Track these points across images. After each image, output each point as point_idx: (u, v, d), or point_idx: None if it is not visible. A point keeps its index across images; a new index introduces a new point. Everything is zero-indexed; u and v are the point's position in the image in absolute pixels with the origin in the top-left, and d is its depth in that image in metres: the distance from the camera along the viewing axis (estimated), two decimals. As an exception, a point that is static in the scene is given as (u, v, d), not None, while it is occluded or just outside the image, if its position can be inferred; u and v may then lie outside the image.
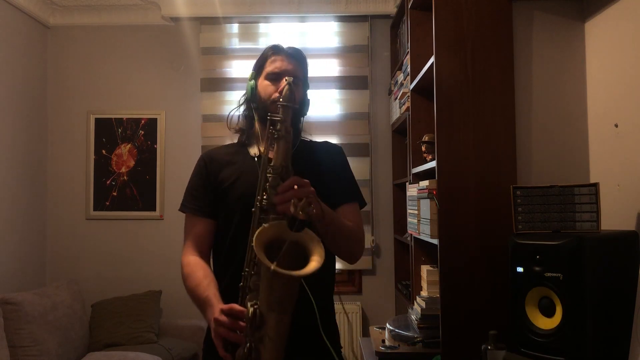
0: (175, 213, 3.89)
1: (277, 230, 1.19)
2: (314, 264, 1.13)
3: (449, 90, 2.05)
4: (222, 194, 1.56)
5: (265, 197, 1.28)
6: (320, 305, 1.34)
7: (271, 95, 1.52)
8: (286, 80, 1.33)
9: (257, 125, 1.60)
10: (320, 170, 1.56)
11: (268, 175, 1.29)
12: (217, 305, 1.29)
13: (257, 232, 1.17)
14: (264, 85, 1.56)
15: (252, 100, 1.60)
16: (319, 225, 1.30)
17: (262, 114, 1.54)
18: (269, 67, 1.56)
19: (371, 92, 3.86)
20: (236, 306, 1.24)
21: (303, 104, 1.60)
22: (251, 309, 1.14)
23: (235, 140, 1.68)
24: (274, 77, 1.54)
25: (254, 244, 1.14)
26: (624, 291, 1.62)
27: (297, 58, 1.59)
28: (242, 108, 1.65)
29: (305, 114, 1.64)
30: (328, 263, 1.50)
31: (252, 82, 1.60)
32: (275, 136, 1.28)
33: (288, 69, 1.54)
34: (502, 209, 1.96)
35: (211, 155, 1.65)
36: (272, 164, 1.29)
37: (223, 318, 1.23)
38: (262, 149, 1.51)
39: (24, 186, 3.63)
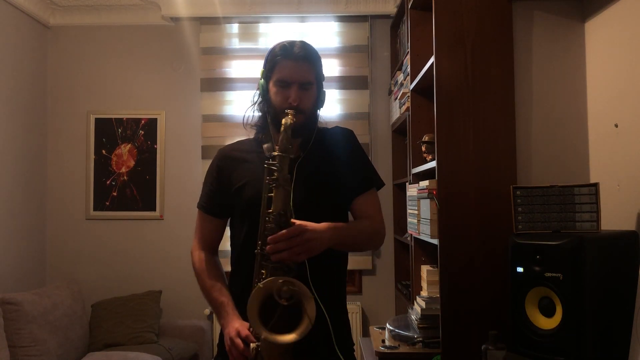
0: (175, 213, 3.93)
1: (270, 287, 1.28)
2: (303, 328, 1.25)
3: (449, 90, 2.05)
4: (233, 195, 1.57)
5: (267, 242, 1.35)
6: (333, 319, 1.44)
7: (281, 104, 1.50)
8: (283, 124, 1.37)
9: (269, 124, 1.59)
10: (333, 159, 1.57)
11: (267, 224, 1.35)
12: (234, 319, 1.46)
13: (251, 295, 1.28)
14: (274, 92, 1.53)
15: (264, 99, 1.58)
16: (332, 247, 1.43)
17: (272, 118, 1.55)
18: (278, 73, 1.52)
19: (371, 92, 3.86)
20: (252, 337, 1.37)
21: (318, 101, 1.58)
22: (254, 350, 1.32)
23: (243, 137, 1.69)
24: (283, 85, 1.51)
25: (247, 309, 1.26)
26: (624, 291, 1.62)
27: (307, 59, 1.53)
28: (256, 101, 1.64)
29: (322, 107, 1.61)
30: (338, 277, 1.61)
31: (263, 81, 1.57)
32: (274, 185, 1.34)
33: (296, 78, 1.51)
34: (502, 209, 1.96)
35: (225, 153, 1.65)
36: (270, 210, 1.35)
37: (239, 342, 1.38)
38: (276, 149, 1.54)
39: (23, 186, 3.63)
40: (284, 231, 1.32)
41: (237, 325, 1.42)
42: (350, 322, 1.72)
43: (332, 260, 1.52)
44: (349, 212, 1.62)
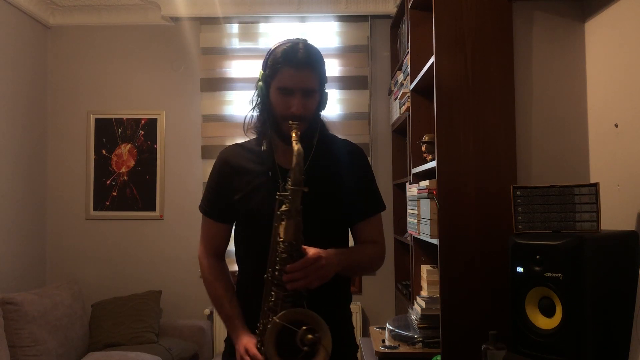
0: (175, 213, 3.94)
1: (288, 319, 1.29)
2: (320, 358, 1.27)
3: (449, 90, 2.05)
4: (234, 204, 1.54)
5: (277, 268, 1.35)
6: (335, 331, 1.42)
7: (282, 112, 1.46)
8: (295, 151, 1.34)
9: (270, 130, 1.55)
10: (341, 176, 1.54)
11: (279, 254, 1.34)
12: (243, 335, 1.47)
13: (268, 329, 1.30)
14: (275, 97, 1.47)
15: (264, 103, 1.52)
16: (339, 272, 1.43)
17: (272, 124, 1.51)
18: (280, 80, 1.46)
19: (371, 92, 3.86)
20: (259, 356, 1.38)
21: (321, 103, 1.53)
22: None
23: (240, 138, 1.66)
24: (286, 92, 1.46)
25: (265, 344, 1.29)
26: (624, 291, 1.62)
27: (309, 64, 1.46)
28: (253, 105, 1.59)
29: (324, 109, 1.56)
30: (338, 290, 1.57)
31: (262, 84, 1.50)
32: (285, 216, 1.34)
33: (299, 85, 1.45)
34: (502, 209, 1.96)
35: (227, 158, 1.59)
36: (281, 239, 1.34)
37: None
38: (277, 160, 1.54)
39: (24, 186, 3.63)
40: (301, 261, 1.33)
41: (245, 342, 1.43)
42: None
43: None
44: (350, 232, 1.61)
